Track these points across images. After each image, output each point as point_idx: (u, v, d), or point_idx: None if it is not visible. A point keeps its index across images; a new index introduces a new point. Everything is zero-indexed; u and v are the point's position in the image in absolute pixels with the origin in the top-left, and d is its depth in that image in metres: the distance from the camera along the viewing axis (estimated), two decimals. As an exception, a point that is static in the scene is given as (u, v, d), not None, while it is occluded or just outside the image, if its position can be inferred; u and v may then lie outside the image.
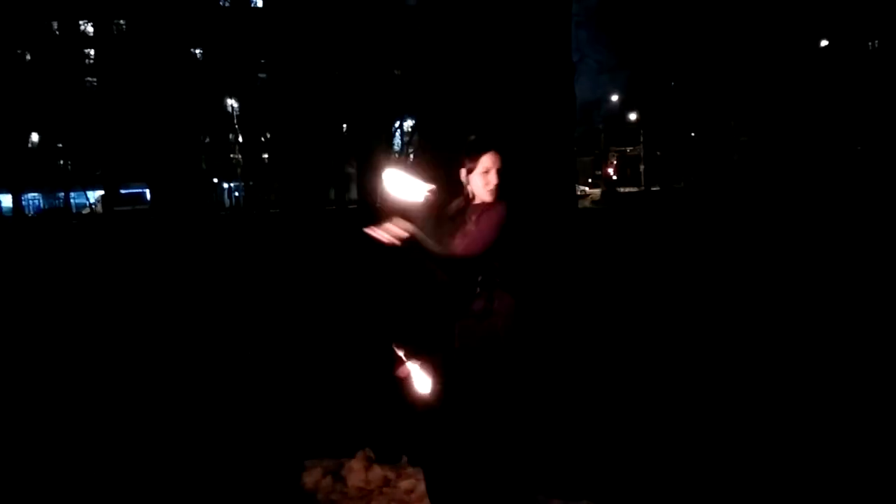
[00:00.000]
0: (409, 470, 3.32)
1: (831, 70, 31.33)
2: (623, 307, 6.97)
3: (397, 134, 37.65)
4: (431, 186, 2.46)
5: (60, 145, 46.31)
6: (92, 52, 47.78)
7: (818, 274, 8.69)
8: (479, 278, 2.40)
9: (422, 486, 3.05)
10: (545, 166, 4.79)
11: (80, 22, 47.18)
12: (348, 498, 3.21)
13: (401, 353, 2.50)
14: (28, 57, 42.34)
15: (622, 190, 44.70)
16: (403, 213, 2.33)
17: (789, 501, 3.05)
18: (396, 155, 34.64)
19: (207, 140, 44.81)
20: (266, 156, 44.89)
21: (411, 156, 31.29)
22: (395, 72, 31.41)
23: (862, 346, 5.26)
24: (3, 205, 46.26)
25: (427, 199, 2.45)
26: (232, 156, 46.49)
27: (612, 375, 4.73)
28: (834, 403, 4.08)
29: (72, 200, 47.64)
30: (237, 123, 41.72)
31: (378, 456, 3.42)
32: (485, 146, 2.46)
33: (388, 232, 2.24)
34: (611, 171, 49.10)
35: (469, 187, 2.50)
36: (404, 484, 3.24)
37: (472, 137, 2.52)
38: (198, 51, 41.14)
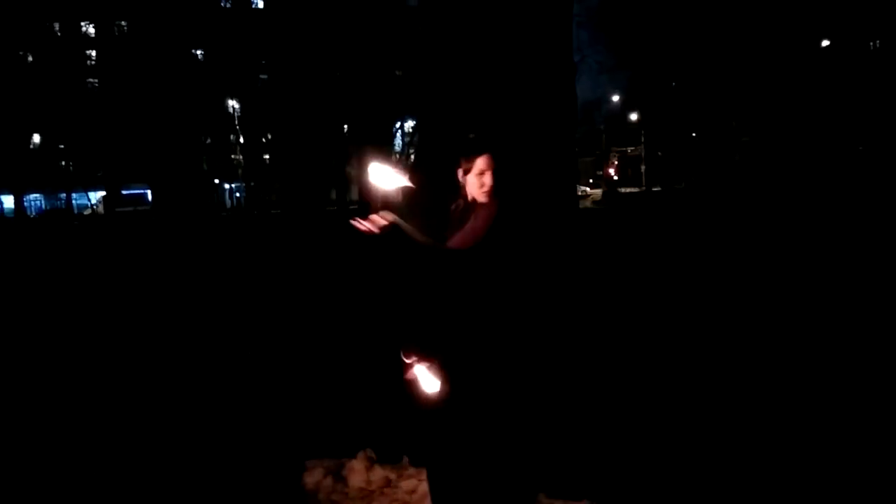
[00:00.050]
0: (411, 470, 3.32)
1: (833, 70, 31.31)
2: (624, 307, 6.96)
3: (398, 135, 37.70)
4: (407, 177, 2.51)
5: (62, 146, 46.35)
6: (93, 53, 47.85)
7: (820, 274, 8.69)
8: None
9: (423, 487, 3.05)
10: (546, 166, 4.78)
11: (82, 23, 47.25)
12: (349, 498, 3.21)
13: (407, 359, 2.51)
14: (30, 58, 42.40)
15: (623, 190, 44.67)
16: (386, 204, 2.39)
17: (789, 501, 3.05)
18: (397, 155, 34.67)
19: (209, 141, 44.87)
20: (267, 157, 44.91)
21: (412, 156, 31.28)
22: (396, 72, 31.45)
23: (863, 346, 5.25)
24: (5, 206, 46.34)
25: (404, 189, 2.51)
26: (233, 156, 46.53)
27: (614, 376, 4.73)
28: (834, 403, 4.08)
29: (73, 201, 47.69)
30: (238, 124, 41.75)
31: (379, 456, 3.42)
32: (479, 148, 2.51)
33: (371, 222, 2.31)
34: (612, 171, 49.03)
35: (466, 188, 2.54)
36: (405, 484, 3.24)
37: (471, 136, 2.56)
38: (199, 52, 41.19)
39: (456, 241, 2.46)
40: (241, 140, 43.08)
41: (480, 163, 2.48)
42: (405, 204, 2.52)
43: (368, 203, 2.46)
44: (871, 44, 33.07)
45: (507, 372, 2.46)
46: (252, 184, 45.67)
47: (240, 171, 46.65)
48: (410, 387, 2.51)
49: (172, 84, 37.86)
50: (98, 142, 43.44)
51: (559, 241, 4.63)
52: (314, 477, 3.34)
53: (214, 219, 36.65)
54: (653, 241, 14.26)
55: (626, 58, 35.93)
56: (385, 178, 2.47)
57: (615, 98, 44.95)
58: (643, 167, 45.06)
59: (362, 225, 2.33)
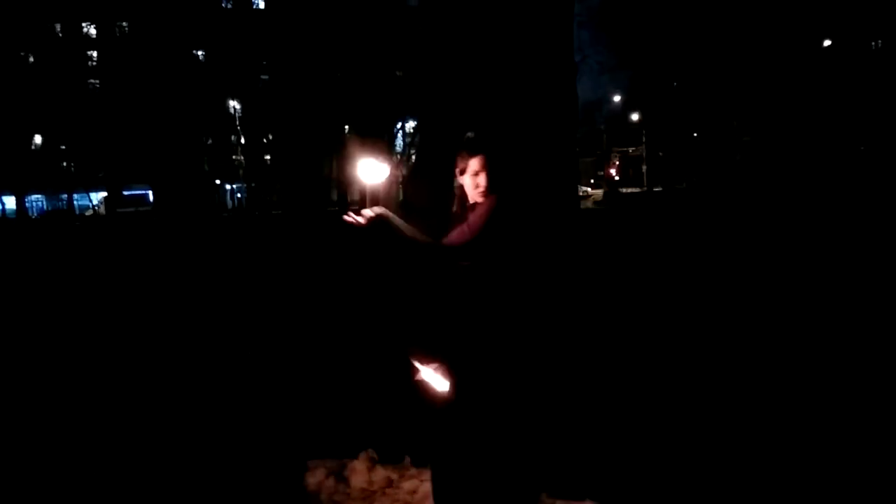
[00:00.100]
0: (413, 471, 3.32)
1: (834, 70, 31.28)
2: (625, 307, 6.96)
3: (399, 135, 37.69)
4: (389, 168, 2.57)
5: (63, 147, 46.39)
6: (94, 53, 47.88)
7: (821, 274, 8.68)
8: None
9: (425, 487, 3.05)
10: (547, 167, 4.78)
11: (83, 24, 47.28)
12: (351, 499, 3.21)
13: (416, 361, 2.53)
14: (31, 59, 42.44)
15: (624, 190, 44.63)
16: (374, 197, 2.43)
17: (790, 501, 3.05)
18: (399, 155, 34.67)
19: (210, 142, 44.87)
20: (268, 157, 44.93)
21: (413, 156, 31.28)
22: (397, 73, 31.45)
23: (864, 346, 5.25)
24: (7, 206, 46.35)
25: (405, 189, 2.56)
26: (234, 157, 46.53)
27: (615, 376, 4.72)
28: (835, 403, 4.07)
29: (75, 202, 47.74)
30: (239, 125, 41.76)
31: (381, 456, 3.42)
32: (474, 149, 2.54)
33: (361, 215, 2.35)
34: (613, 171, 49.01)
35: (464, 188, 2.58)
36: (407, 485, 3.24)
37: (470, 134, 2.60)
38: (200, 52, 41.20)
39: (452, 237, 2.49)
40: (243, 141, 43.09)
41: (475, 163, 2.52)
42: (405, 204, 2.55)
43: (371, 205, 2.48)
44: (873, 44, 33.04)
45: (508, 372, 2.46)
46: (253, 184, 45.69)
47: (241, 171, 46.66)
48: (421, 387, 2.53)
49: (173, 85, 37.87)
50: (99, 142, 43.46)
51: (560, 242, 4.62)
52: (316, 477, 3.34)
53: (216, 219, 36.64)
54: (655, 242, 14.26)
55: (628, 58, 35.93)
56: (370, 171, 2.50)
57: (616, 98, 44.91)
58: (644, 167, 45.01)
59: (352, 218, 2.38)
